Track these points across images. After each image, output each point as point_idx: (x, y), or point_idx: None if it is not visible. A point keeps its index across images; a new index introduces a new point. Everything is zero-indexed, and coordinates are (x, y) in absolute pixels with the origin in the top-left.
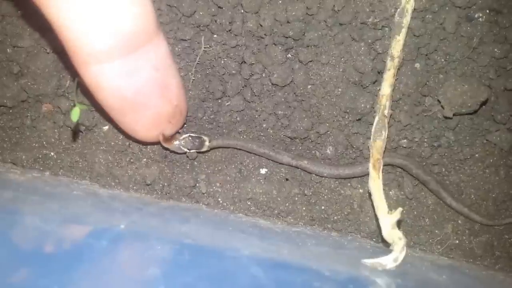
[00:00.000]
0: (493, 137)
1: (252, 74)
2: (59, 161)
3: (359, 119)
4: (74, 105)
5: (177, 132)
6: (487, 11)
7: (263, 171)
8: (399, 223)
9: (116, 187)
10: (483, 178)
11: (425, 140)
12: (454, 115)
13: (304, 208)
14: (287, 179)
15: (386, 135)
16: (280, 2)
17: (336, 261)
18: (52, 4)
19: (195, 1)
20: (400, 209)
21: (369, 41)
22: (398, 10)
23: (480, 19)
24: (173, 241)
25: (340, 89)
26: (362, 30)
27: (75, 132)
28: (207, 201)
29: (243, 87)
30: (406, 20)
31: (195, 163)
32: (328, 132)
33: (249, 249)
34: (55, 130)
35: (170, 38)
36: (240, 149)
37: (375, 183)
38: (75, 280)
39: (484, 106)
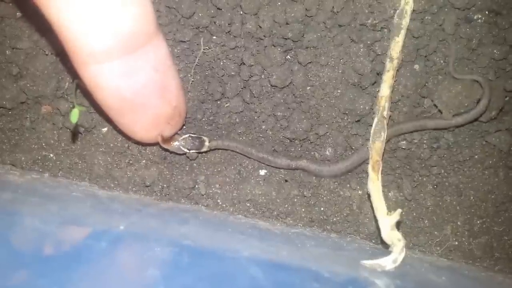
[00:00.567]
0: (492, 139)
1: (251, 76)
2: (58, 162)
3: (358, 121)
4: (73, 107)
5: (176, 133)
6: (486, 12)
7: (262, 172)
8: (398, 225)
9: (115, 189)
10: (482, 179)
11: (424, 141)
12: (454, 116)
13: (303, 210)
14: (286, 181)
15: (385, 137)
16: (279, 3)
17: (335, 262)
18: (52, 4)
19: (194, 2)
20: (399, 210)
21: (368, 42)
22: (397, 11)
23: (479, 20)
24: (173, 242)
25: (339, 91)
26: (361, 32)
27: (74, 134)
28: (206, 203)
29: (242, 88)
30: (405, 21)
31: (194, 164)
32: (327, 134)
33: (249, 250)
34: (54, 132)
35: (169, 40)
36: (238, 153)
37: (374, 185)
38: (74, 281)
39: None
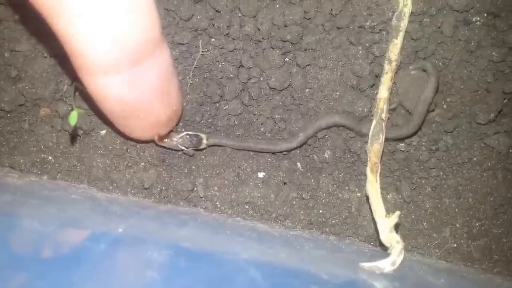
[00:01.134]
0: (491, 141)
1: (250, 78)
2: (57, 165)
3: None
4: (72, 109)
5: (173, 131)
6: (485, 14)
7: (261, 175)
8: (396, 227)
9: (114, 191)
10: (481, 181)
11: (423, 143)
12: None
13: (302, 212)
14: (285, 183)
15: (383, 139)
16: (277, 6)
17: (334, 264)
18: (62, 18)
19: (193, 5)
20: (397, 212)
21: (367, 44)
22: (396, 13)
23: (478, 22)
24: (171, 245)
25: (338, 93)
26: (360, 34)
27: (73, 136)
28: (205, 205)
29: (241, 91)
30: (404, 23)
31: (193, 167)
32: (326, 136)
33: (247, 252)
34: (53, 134)
35: (168, 42)
36: (236, 149)
37: (373, 187)
38: (73, 283)
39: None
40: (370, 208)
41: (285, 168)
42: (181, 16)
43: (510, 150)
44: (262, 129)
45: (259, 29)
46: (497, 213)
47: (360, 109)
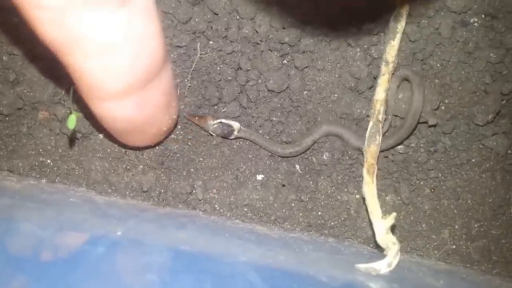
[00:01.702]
0: (489, 142)
1: (248, 80)
2: (55, 168)
3: (356, 125)
4: (70, 113)
5: (210, 115)
6: (483, 16)
7: (259, 177)
8: (393, 228)
9: (112, 194)
10: (479, 183)
11: (422, 145)
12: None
13: (301, 214)
14: (283, 185)
15: (380, 140)
16: (275, 8)
17: (333, 266)
18: (75, 55)
19: (190, 7)
20: (394, 214)
21: (365, 46)
22: (393, 15)
23: (476, 24)
24: (170, 248)
25: (336, 95)
26: (358, 36)
27: (72, 139)
28: (203, 208)
29: (239, 93)
30: (401, 25)
31: (192, 169)
32: (325, 138)
33: (246, 255)
34: (52, 138)
35: (166, 45)
36: (261, 147)
37: (369, 188)
38: (72, 287)
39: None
40: (367, 209)
41: (284, 170)
42: (179, 19)
43: (509, 151)
44: (260, 131)
45: (257, 32)
46: (496, 214)
47: (358, 111)
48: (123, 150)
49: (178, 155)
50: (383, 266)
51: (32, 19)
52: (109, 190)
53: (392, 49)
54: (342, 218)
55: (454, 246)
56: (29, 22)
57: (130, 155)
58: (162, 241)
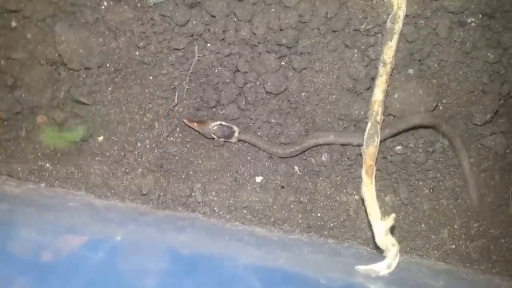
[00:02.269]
0: (487, 142)
1: (246, 83)
2: (54, 172)
3: (354, 126)
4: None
5: (209, 118)
6: (480, 15)
7: (258, 179)
8: (392, 229)
9: (111, 198)
10: (478, 182)
11: (420, 145)
12: None
13: (300, 216)
14: (282, 187)
15: (378, 141)
16: (273, 10)
17: (332, 268)
18: None
19: (188, 10)
20: (393, 215)
21: (362, 47)
22: (390, 16)
23: (473, 24)
24: (170, 251)
25: (334, 96)
26: (355, 37)
27: (70, 143)
28: (203, 210)
29: (237, 95)
30: (398, 26)
31: (191, 172)
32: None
33: (246, 258)
34: (50, 142)
35: (164, 48)
36: (261, 150)
37: (368, 189)
38: None
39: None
40: (366, 211)
41: (283, 172)
42: (176, 22)
43: (507, 151)
44: (259, 133)
45: (254, 34)
46: (495, 213)
47: (356, 112)
48: (122, 153)
49: (177, 158)
50: (382, 267)
51: None
52: (108, 194)
53: (389, 50)
54: (342, 219)
55: (453, 246)
56: None
57: (129, 158)
58: (161, 245)
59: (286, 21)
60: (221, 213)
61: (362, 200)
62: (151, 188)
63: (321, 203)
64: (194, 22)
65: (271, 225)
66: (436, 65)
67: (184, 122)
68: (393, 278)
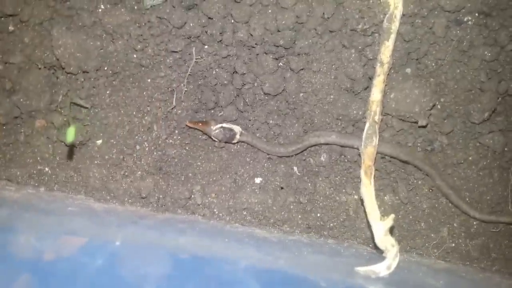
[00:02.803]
0: (486, 140)
1: (244, 84)
2: (53, 176)
3: (352, 126)
4: (69, 125)
5: (212, 119)
6: (476, 14)
7: (257, 180)
8: (392, 230)
9: (111, 201)
10: (477, 181)
11: (419, 144)
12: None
13: (300, 216)
14: (282, 188)
15: (377, 141)
16: (270, 11)
17: (332, 269)
18: None
19: (185, 12)
20: (392, 215)
21: (360, 47)
22: (387, 15)
23: (470, 22)
24: (170, 254)
25: (332, 96)
26: (352, 37)
27: (69, 147)
28: (202, 212)
29: (235, 97)
30: (395, 25)
31: (190, 174)
32: None
33: (246, 260)
34: (49, 146)
35: (161, 50)
36: (262, 151)
37: (367, 190)
38: None
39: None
40: (365, 211)
41: (282, 172)
42: (173, 24)
43: (505, 149)
44: (258, 135)
45: (252, 35)
46: (494, 211)
47: (354, 112)
48: (121, 156)
49: (176, 160)
50: (382, 268)
51: None
52: (108, 197)
53: (386, 49)
54: (341, 219)
55: (453, 244)
56: None
57: (128, 161)
58: (161, 248)
59: (283, 22)
60: (220, 215)
61: (361, 200)
62: (150, 191)
63: (321, 204)
64: (191, 24)
65: (271, 226)
66: (433, 64)
67: (187, 125)
68: (393, 279)
